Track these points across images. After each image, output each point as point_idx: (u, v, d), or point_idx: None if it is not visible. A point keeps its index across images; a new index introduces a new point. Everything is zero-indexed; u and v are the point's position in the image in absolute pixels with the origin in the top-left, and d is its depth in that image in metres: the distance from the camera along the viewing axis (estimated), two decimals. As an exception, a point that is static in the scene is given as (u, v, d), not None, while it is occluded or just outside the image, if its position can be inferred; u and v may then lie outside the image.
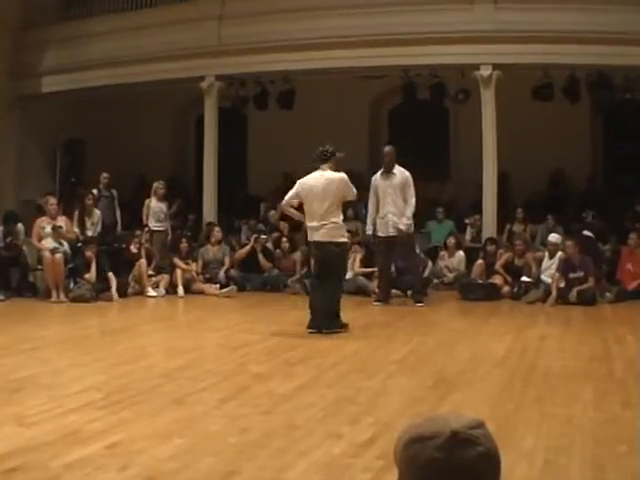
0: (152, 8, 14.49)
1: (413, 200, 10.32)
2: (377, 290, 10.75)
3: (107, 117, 16.09)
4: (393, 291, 10.93)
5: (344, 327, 8.11)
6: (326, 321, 7.99)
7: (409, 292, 10.76)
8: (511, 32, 11.85)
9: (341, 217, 8.20)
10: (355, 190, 8.32)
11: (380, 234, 10.45)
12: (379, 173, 10.49)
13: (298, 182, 8.30)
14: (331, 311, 8.08)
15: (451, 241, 12.28)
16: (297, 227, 11.71)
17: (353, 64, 13.03)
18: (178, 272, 11.59)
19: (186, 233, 13.12)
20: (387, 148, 10.61)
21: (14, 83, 15.22)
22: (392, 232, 10.30)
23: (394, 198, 10.32)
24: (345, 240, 8.36)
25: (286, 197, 8.37)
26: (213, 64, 13.74)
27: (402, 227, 10.35)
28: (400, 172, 10.41)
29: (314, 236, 8.14)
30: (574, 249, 10.67)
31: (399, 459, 1.39)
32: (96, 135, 15.94)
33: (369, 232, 10.76)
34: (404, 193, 10.33)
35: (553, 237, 11.40)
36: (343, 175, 8.13)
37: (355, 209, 14.45)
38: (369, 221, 10.70)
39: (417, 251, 11.30)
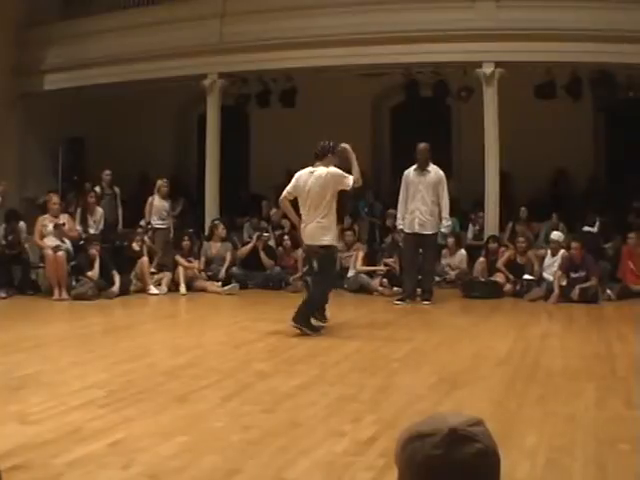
0: (154, 6, 14.50)
1: (447, 200, 10.10)
2: (394, 288, 10.62)
3: (109, 115, 16.09)
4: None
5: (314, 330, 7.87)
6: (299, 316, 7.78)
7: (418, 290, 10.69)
8: (513, 30, 11.83)
9: (332, 217, 7.89)
10: (352, 177, 7.84)
11: (406, 230, 10.28)
12: (412, 169, 10.20)
13: (295, 175, 8.09)
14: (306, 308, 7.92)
15: (451, 241, 12.21)
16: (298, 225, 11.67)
17: (355, 62, 13.02)
18: (180, 270, 11.58)
19: (188, 230, 13.11)
20: (421, 145, 10.22)
21: (16, 80, 15.20)
22: (418, 229, 10.11)
23: (424, 195, 10.08)
24: (329, 243, 7.91)
25: (284, 191, 8.10)
26: (215, 62, 13.73)
27: (444, 230, 10.34)
28: (435, 170, 10.17)
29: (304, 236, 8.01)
30: (579, 250, 10.63)
31: (398, 458, 1.39)
32: (98, 133, 15.95)
33: (399, 227, 10.57)
34: (436, 191, 10.09)
35: (555, 235, 11.38)
36: (331, 168, 7.86)
37: (357, 208, 14.46)
38: (399, 216, 10.46)
39: None
